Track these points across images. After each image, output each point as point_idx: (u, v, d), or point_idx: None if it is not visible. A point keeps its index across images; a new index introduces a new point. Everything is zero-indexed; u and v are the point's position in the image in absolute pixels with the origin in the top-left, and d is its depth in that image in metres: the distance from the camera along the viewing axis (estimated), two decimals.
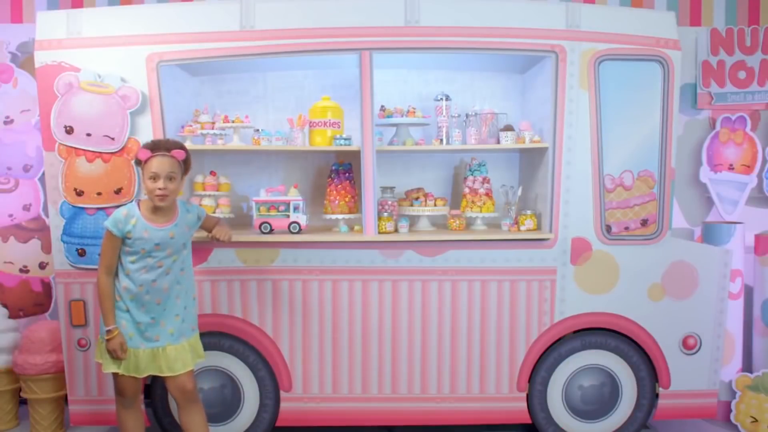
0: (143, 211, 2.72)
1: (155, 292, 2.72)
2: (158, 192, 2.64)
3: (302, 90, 3.67)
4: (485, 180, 3.48)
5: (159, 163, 2.65)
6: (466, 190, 3.49)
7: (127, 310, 2.71)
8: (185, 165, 2.75)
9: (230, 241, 3.01)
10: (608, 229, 3.24)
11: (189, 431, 2.84)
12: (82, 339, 3.23)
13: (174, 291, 2.78)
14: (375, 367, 3.30)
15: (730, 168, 4.03)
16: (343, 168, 3.53)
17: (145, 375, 2.74)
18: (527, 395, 3.33)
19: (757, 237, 3.77)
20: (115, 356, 2.70)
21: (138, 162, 2.76)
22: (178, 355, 2.76)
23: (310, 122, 3.40)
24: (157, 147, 2.70)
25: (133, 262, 2.69)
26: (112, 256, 2.70)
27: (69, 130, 3.10)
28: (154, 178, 2.64)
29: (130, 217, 2.68)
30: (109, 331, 2.69)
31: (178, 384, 2.77)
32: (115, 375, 2.76)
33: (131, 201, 3.05)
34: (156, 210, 2.72)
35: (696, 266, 3.26)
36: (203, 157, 3.65)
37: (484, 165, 3.52)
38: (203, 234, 3.11)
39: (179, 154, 2.70)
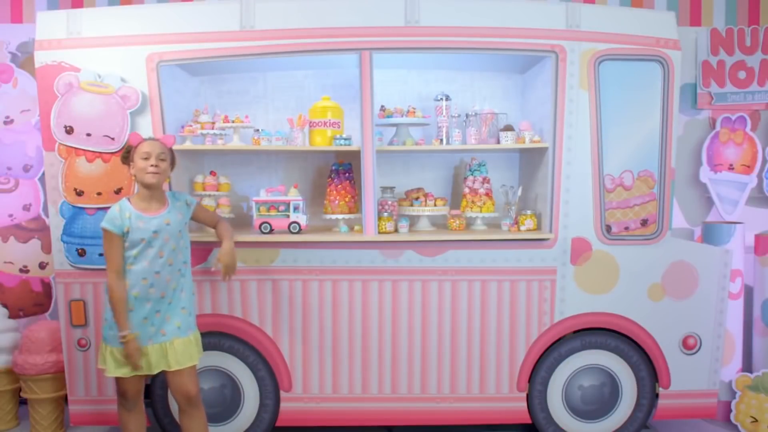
0: (134, 203, 2.74)
1: (159, 285, 2.72)
2: (150, 169, 2.69)
3: (302, 90, 3.67)
4: (485, 180, 3.48)
5: (150, 145, 2.75)
6: (466, 190, 3.49)
7: (131, 309, 2.70)
8: (171, 158, 2.84)
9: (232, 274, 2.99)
10: (608, 229, 3.24)
11: None
12: (82, 339, 3.23)
13: (180, 284, 2.79)
14: (375, 367, 3.30)
15: (730, 168, 4.04)
16: (343, 168, 3.53)
17: (156, 372, 2.73)
18: (527, 395, 3.33)
19: (757, 237, 3.77)
20: (132, 361, 2.68)
21: (125, 156, 2.77)
22: (185, 349, 2.77)
23: (310, 122, 3.40)
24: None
25: (135, 256, 2.69)
26: (118, 255, 2.68)
27: (69, 130, 3.10)
28: (147, 157, 2.71)
29: (124, 211, 2.70)
30: (123, 336, 2.66)
31: (181, 388, 2.77)
32: (119, 378, 2.74)
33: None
34: (147, 200, 2.74)
35: (696, 266, 3.26)
36: (203, 157, 3.66)
37: (484, 165, 3.52)
38: (206, 236, 3.11)
39: (167, 140, 2.83)
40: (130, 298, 2.70)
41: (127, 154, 2.77)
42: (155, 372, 2.73)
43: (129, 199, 2.76)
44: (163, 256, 2.72)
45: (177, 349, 2.75)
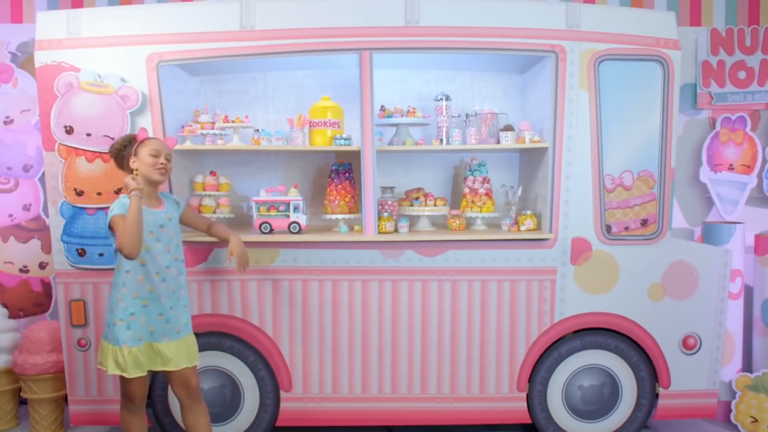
0: None
1: (170, 279, 2.74)
2: (160, 166, 2.71)
3: (302, 90, 3.68)
4: (485, 180, 3.48)
5: (159, 143, 2.78)
6: (466, 190, 3.49)
7: (146, 305, 2.69)
8: None
9: (246, 266, 2.99)
10: (608, 229, 3.24)
11: None
12: (82, 339, 3.23)
13: (181, 281, 2.81)
14: (375, 367, 3.30)
15: (730, 168, 4.04)
16: (343, 168, 3.53)
17: (173, 368, 2.72)
18: (527, 395, 3.33)
19: (757, 237, 3.77)
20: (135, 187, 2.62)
21: (120, 152, 2.74)
22: (192, 344, 2.82)
23: (310, 122, 3.40)
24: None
25: (146, 250, 2.67)
26: None
27: (69, 130, 3.10)
28: (156, 155, 2.71)
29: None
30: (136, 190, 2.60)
31: (183, 381, 2.77)
32: (127, 381, 2.71)
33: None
34: (147, 196, 2.72)
35: (696, 266, 3.26)
36: (203, 157, 3.66)
37: (484, 165, 3.52)
38: (207, 235, 3.11)
39: (170, 142, 2.86)
40: (144, 296, 2.68)
41: (122, 148, 2.74)
42: (172, 368, 2.72)
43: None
44: (171, 251, 2.75)
45: (189, 346, 2.79)
